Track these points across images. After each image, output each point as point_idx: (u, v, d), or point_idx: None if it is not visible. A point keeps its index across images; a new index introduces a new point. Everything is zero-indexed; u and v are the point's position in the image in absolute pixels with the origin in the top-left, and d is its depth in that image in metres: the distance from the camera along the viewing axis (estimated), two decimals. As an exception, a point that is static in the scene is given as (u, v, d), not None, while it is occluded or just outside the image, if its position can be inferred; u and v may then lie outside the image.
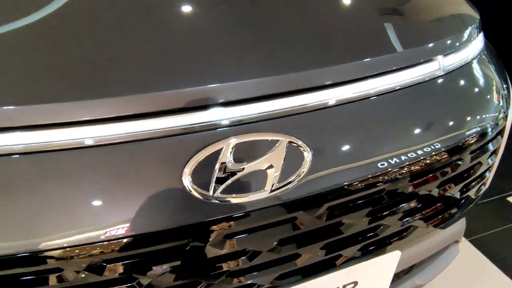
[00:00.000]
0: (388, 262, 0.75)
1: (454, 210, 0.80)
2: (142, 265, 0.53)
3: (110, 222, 0.49)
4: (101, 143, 0.50)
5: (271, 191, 0.55)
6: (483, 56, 0.88)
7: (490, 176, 0.89)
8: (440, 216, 0.78)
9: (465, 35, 0.81)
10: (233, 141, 0.54)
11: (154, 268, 0.53)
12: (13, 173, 0.48)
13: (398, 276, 0.93)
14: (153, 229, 0.51)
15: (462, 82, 0.78)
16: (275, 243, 0.60)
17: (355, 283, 0.75)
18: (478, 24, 0.86)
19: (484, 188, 0.89)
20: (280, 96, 0.58)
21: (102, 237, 0.49)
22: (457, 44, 0.78)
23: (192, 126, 0.53)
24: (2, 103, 0.47)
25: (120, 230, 0.50)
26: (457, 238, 0.94)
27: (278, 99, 0.58)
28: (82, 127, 0.50)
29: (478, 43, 0.86)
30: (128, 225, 0.50)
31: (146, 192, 0.51)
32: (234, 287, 0.62)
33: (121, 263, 0.52)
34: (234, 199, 0.54)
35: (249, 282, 0.63)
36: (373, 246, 0.71)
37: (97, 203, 0.50)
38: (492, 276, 1.42)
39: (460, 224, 0.93)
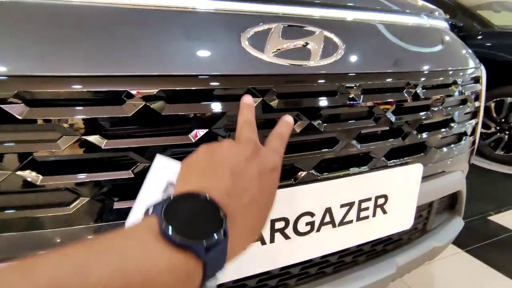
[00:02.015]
0: (412, 174, 0.78)
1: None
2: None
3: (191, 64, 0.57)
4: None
5: (312, 65, 0.64)
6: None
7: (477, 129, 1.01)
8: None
9: (437, 15, 1.03)
10: (284, 24, 0.67)
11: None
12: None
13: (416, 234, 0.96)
14: (219, 72, 0.58)
15: (443, 36, 0.96)
16: (319, 121, 0.65)
17: (386, 197, 0.76)
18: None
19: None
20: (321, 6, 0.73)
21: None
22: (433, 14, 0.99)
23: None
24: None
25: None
26: (460, 187, 1.00)
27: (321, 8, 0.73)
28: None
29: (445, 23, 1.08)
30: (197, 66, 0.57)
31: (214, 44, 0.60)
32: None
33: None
34: (284, 61, 0.62)
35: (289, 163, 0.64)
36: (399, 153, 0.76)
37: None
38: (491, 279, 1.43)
39: (462, 175, 1.00)
